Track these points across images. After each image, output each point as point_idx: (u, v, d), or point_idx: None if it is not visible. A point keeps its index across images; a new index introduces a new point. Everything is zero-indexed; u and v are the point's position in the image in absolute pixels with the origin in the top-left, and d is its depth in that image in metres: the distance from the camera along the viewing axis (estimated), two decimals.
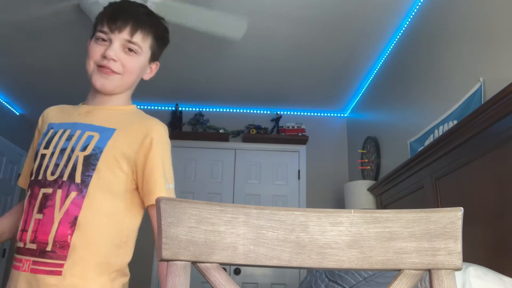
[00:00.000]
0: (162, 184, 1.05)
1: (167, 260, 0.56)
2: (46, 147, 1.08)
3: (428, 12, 2.50)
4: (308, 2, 2.67)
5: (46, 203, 1.01)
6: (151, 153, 1.06)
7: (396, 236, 0.58)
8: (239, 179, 4.22)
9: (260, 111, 4.41)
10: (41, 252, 0.97)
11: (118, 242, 1.05)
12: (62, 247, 0.97)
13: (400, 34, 2.93)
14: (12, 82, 3.84)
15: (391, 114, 3.05)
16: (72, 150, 1.05)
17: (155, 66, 1.24)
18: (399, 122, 2.88)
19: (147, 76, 1.24)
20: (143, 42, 1.14)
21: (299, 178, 4.22)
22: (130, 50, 1.13)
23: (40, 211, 1.00)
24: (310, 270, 3.21)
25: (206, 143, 4.25)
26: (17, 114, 4.46)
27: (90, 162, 1.04)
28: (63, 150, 1.06)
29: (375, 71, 3.47)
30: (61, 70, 3.61)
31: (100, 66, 1.12)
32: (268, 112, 4.41)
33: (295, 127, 4.22)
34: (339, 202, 4.10)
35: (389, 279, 1.55)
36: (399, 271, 0.58)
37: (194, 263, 0.56)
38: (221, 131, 4.22)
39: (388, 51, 3.16)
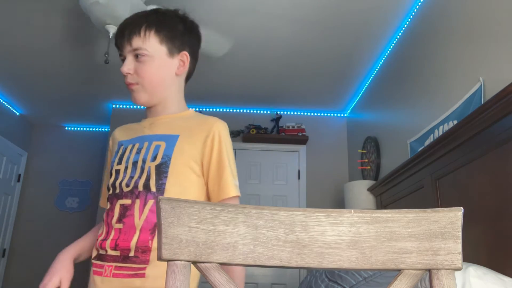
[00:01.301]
0: (231, 181, 1.06)
1: (167, 260, 0.56)
2: (119, 163, 1.12)
3: (428, 12, 2.50)
4: (308, 3, 2.67)
5: (125, 213, 1.05)
6: (216, 151, 1.08)
7: (396, 236, 0.58)
8: (239, 179, 4.19)
9: (260, 111, 4.41)
10: (124, 257, 1.02)
11: None
12: (144, 252, 1.01)
13: (400, 34, 2.93)
14: (12, 82, 3.85)
15: (391, 114, 3.05)
16: (144, 162, 1.08)
17: (185, 57, 1.16)
18: (399, 122, 2.88)
19: (180, 70, 1.16)
20: (146, 43, 1.11)
21: (299, 178, 4.22)
22: (139, 56, 1.11)
23: (119, 221, 1.05)
24: (310, 270, 3.21)
25: None
26: (17, 114, 4.46)
27: (162, 171, 1.06)
28: (135, 163, 1.09)
29: (375, 71, 3.47)
30: (61, 70, 3.62)
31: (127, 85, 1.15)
32: (268, 112, 4.41)
33: (295, 127, 4.22)
34: (339, 202, 4.10)
35: (389, 279, 1.55)
36: (399, 271, 0.58)
37: (194, 263, 0.56)
38: None
39: (388, 51, 3.16)
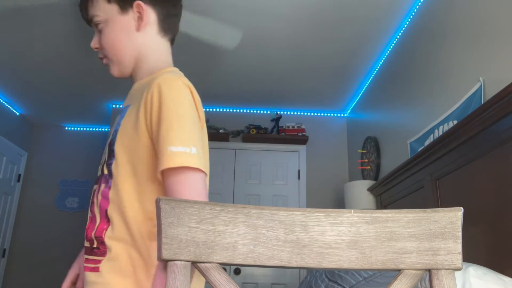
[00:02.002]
0: (166, 149, 0.82)
1: (167, 260, 0.56)
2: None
3: (428, 12, 2.50)
4: (308, 3, 2.67)
5: (92, 200, 0.96)
6: (155, 113, 0.87)
7: (396, 236, 0.58)
8: (239, 179, 4.22)
9: (260, 111, 4.42)
10: (91, 249, 0.93)
11: (152, 235, 0.89)
12: (102, 243, 0.90)
13: (400, 34, 2.93)
14: (12, 82, 3.85)
15: (391, 114, 3.05)
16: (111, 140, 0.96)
17: (140, 8, 1.00)
18: (399, 122, 2.88)
19: (140, 25, 1.00)
20: (96, 8, 1.00)
21: (299, 178, 4.22)
22: (98, 26, 1.01)
23: (90, 208, 0.96)
24: (310, 270, 3.21)
25: None
26: (17, 114, 4.46)
27: (111, 149, 0.93)
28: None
29: (375, 71, 3.48)
30: (62, 70, 3.62)
31: None
32: (268, 112, 4.41)
33: (295, 127, 4.22)
34: (339, 202, 4.10)
35: (389, 279, 1.55)
36: (399, 271, 0.58)
37: (194, 263, 0.56)
38: (221, 131, 4.22)
39: (388, 51, 3.16)
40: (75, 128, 4.88)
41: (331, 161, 4.28)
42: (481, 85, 1.83)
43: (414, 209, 0.59)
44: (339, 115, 4.45)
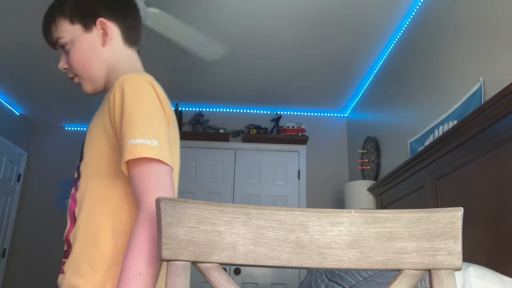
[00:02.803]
0: (127, 142, 0.83)
1: (167, 260, 0.56)
2: None
3: (428, 12, 2.50)
4: (308, 2, 2.67)
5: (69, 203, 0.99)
6: (117, 110, 0.88)
7: (396, 236, 0.58)
8: (239, 179, 4.22)
9: (260, 111, 4.42)
10: (65, 252, 0.95)
11: (115, 232, 0.88)
12: (68, 245, 0.93)
13: (400, 34, 2.93)
14: (12, 82, 3.85)
15: (391, 114, 3.05)
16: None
17: (103, 24, 1.04)
18: (399, 122, 2.88)
19: (107, 41, 1.04)
20: (60, 30, 1.03)
21: (299, 178, 4.22)
22: (64, 47, 1.04)
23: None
24: (310, 270, 3.21)
25: (206, 143, 4.26)
26: (17, 114, 4.46)
27: (81, 153, 0.96)
28: None
29: (375, 71, 3.48)
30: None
31: None
32: (268, 112, 4.41)
33: (295, 127, 4.22)
34: (339, 202, 4.10)
35: (389, 279, 1.55)
36: (399, 271, 0.58)
37: (194, 263, 0.56)
38: (221, 131, 4.22)
39: (388, 51, 3.16)
40: (75, 128, 4.88)
41: (331, 161, 4.28)
42: (481, 85, 1.83)
43: (414, 209, 0.59)
44: (339, 115, 4.45)
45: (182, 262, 0.56)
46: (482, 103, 1.70)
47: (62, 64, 1.06)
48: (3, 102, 4.19)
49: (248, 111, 4.42)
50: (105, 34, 1.04)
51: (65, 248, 0.94)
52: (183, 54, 3.32)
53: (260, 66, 3.51)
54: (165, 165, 0.83)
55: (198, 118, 4.26)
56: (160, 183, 0.82)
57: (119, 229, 0.88)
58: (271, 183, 4.22)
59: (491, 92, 1.73)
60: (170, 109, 0.97)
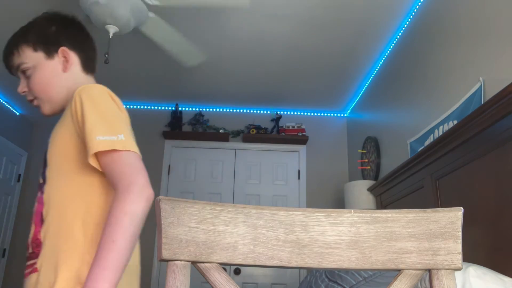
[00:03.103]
0: (93, 137, 0.93)
1: (167, 260, 0.56)
2: None
3: (428, 12, 2.50)
4: (308, 3, 2.67)
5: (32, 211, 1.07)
6: (79, 115, 0.98)
7: (396, 236, 0.58)
8: (239, 179, 4.22)
9: (260, 111, 4.42)
10: (28, 256, 1.01)
11: (86, 224, 0.98)
12: (37, 245, 0.99)
13: (400, 34, 2.93)
14: (12, 82, 3.85)
15: (391, 114, 3.05)
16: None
17: (65, 52, 1.16)
18: (399, 122, 2.88)
19: (68, 67, 1.16)
20: (22, 57, 1.14)
21: (299, 178, 4.22)
22: (25, 72, 1.14)
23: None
24: (310, 270, 3.21)
25: (206, 143, 4.26)
26: (17, 114, 4.46)
27: (45, 159, 1.05)
28: None
29: (375, 71, 3.48)
30: None
31: None
32: (268, 112, 4.41)
33: (295, 127, 4.23)
34: (339, 202, 4.10)
35: (389, 279, 1.55)
36: (399, 271, 0.58)
37: (194, 263, 0.56)
38: (221, 131, 4.22)
39: (388, 51, 3.16)
40: None
41: (331, 161, 4.28)
42: (481, 85, 1.83)
43: (414, 209, 0.59)
44: (339, 115, 4.45)
45: (182, 262, 0.56)
46: (482, 103, 1.70)
47: (21, 88, 1.16)
48: (3, 102, 4.19)
49: (248, 111, 4.42)
50: (66, 61, 1.16)
51: (31, 250, 0.99)
52: None
53: (260, 66, 3.51)
54: (133, 153, 0.95)
55: (198, 118, 4.26)
56: (132, 166, 0.93)
57: (88, 222, 0.97)
58: (271, 183, 4.22)
59: (491, 92, 1.73)
60: (126, 113, 1.08)
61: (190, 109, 4.37)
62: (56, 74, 1.15)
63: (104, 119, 0.97)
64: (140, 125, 4.32)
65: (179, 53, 2.75)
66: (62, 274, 0.92)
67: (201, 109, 4.34)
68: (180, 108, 4.29)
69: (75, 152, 1.00)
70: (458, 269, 0.57)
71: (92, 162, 0.94)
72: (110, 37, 2.28)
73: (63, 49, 1.16)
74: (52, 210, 0.99)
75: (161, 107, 4.38)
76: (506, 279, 1.25)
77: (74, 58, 1.18)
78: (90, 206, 0.99)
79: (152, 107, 4.38)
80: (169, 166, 4.20)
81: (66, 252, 0.94)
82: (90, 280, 0.84)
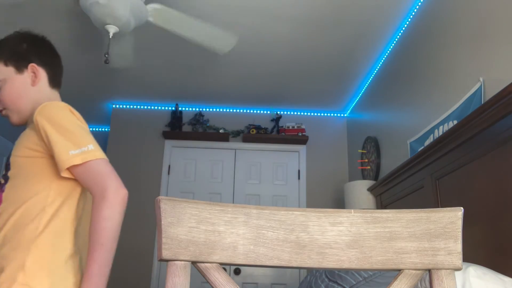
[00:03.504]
0: (63, 153, 1.06)
1: (167, 260, 0.56)
2: None
3: (427, 13, 2.50)
4: (308, 3, 2.67)
5: None
6: (43, 134, 1.10)
7: (396, 236, 0.58)
8: (239, 179, 4.22)
9: (260, 111, 4.42)
10: None
11: (40, 219, 1.09)
12: None
13: (400, 34, 2.93)
14: None
15: (391, 114, 3.05)
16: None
17: (34, 68, 1.28)
18: (399, 122, 2.88)
19: (35, 82, 1.28)
20: None
21: (299, 178, 4.22)
22: None
23: None
24: (310, 270, 3.21)
25: (206, 143, 4.26)
26: None
27: (7, 163, 1.18)
28: None
29: (375, 71, 3.47)
30: None
31: None
32: (268, 112, 4.41)
33: (295, 127, 4.22)
34: (339, 202, 4.10)
35: (389, 279, 1.55)
36: (399, 271, 0.58)
37: (194, 263, 0.56)
38: (221, 131, 4.22)
39: (388, 51, 3.16)
40: None
41: (331, 161, 4.28)
42: (481, 85, 1.83)
43: (414, 209, 0.59)
44: (339, 115, 4.45)
45: (182, 262, 0.56)
46: (482, 103, 1.70)
47: None
48: None
49: (248, 111, 4.42)
50: (35, 76, 1.28)
51: None
52: (183, 54, 3.32)
53: (260, 66, 3.51)
54: (101, 159, 1.08)
55: (198, 118, 4.26)
56: (102, 172, 1.06)
57: (42, 219, 1.09)
58: (271, 183, 4.22)
59: (491, 92, 1.73)
60: (86, 124, 1.19)
61: (190, 109, 4.37)
62: (25, 87, 1.26)
63: (70, 134, 1.09)
64: (140, 125, 4.32)
65: (208, 41, 2.62)
66: (10, 266, 1.03)
67: (201, 109, 4.34)
68: (180, 108, 4.29)
69: (34, 159, 1.12)
70: (458, 269, 0.57)
71: (65, 174, 1.07)
72: (110, 37, 2.27)
73: (32, 65, 1.28)
74: (8, 208, 1.11)
75: (161, 107, 4.38)
76: (506, 279, 1.24)
77: (42, 74, 1.30)
78: (46, 206, 1.10)
79: (152, 107, 4.38)
80: (169, 166, 4.20)
81: (17, 245, 1.05)
82: (89, 277, 0.99)
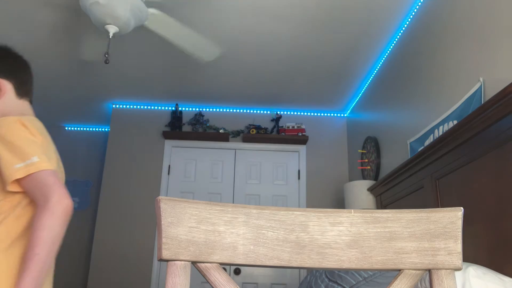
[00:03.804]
0: (8, 168, 1.09)
1: (167, 260, 0.56)
2: None
3: (428, 12, 2.50)
4: (308, 3, 2.67)
5: None
6: None
7: (396, 236, 0.58)
8: (239, 179, 4.22)
9: (260, 111, 4.42)
10: None
11: None
12: None
13: (400, 34, 2.93)
14: None
15: (391, 114, 3.05)
16: None
17: None
18: (399, 122, 2.88)
19: (1, 95, 1.29)
20: None
21: (299, 178, 4.22)
22: None
23: None
24: (310, 270, 3.21)
25: (206, 143, 4.26)
26: None
27: None
28: None
29: (375, 71, 3.47)
30: (61, 70, 3.62)
31: None
32: (268, 112, 4.41)
33: (295, 127, 4.22)
34: (339, 202, 4.10)
35: (389, 279, 1.55)
36: (399, 271, 0.58)
37: (194, 263, 0.56)
38: (221, 131, 4.22)
39: (388, 51, 3.16)
40: (75, 128, 4.88)
41: (331, 161, 4.28)
42: (481, 85, 1.83)
43: (414, 209, 0.59)
44: (339, 115, 4.45)
45: (182, 262, 0.56)
46: (482, 103, 1.70)
47: None
48: None
49: (248, 111, 4.42)
50: (1, 90, 1.28)
51: None
52: (183, 55, 3.32)
53: (260, 66, 3.51)
54: (46, 170, 1.10)
55: (198, 118, 4.26)
56: (46, 183, 1.08)
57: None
58: (271, 183, 4.22)
59: (491, 92, 1.73)
60: (39, 130, 1.21)
61: (190, 109, 4.37)
62: None
63: (16, 148, 1.11)
64: (140, 125, 4.33)
65: (193, 49, 2.73)
66: None
67: (201, 109, 4.34)
68: (180, 108, 4.29)
69: None
70: (458, 269, 0.57)
71: (12, 188, 1.10)
72: (110, 37, 2.27)
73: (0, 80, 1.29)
74: None
75: (161, 107, 4.38)
76: (506, 279, 1.25)
77: (7, 86, 1.30)
78: (2, 217, 1.13)
79: (152, 107, 4.38)
80: (169, 166, 4.20)
81: None
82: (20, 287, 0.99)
